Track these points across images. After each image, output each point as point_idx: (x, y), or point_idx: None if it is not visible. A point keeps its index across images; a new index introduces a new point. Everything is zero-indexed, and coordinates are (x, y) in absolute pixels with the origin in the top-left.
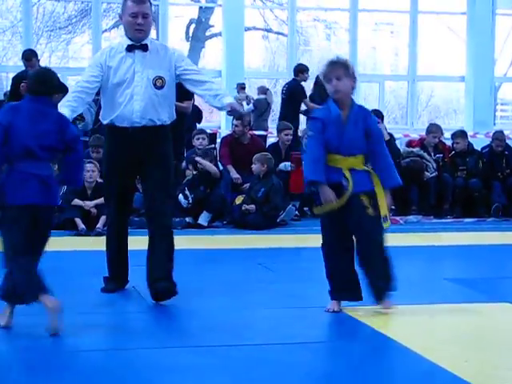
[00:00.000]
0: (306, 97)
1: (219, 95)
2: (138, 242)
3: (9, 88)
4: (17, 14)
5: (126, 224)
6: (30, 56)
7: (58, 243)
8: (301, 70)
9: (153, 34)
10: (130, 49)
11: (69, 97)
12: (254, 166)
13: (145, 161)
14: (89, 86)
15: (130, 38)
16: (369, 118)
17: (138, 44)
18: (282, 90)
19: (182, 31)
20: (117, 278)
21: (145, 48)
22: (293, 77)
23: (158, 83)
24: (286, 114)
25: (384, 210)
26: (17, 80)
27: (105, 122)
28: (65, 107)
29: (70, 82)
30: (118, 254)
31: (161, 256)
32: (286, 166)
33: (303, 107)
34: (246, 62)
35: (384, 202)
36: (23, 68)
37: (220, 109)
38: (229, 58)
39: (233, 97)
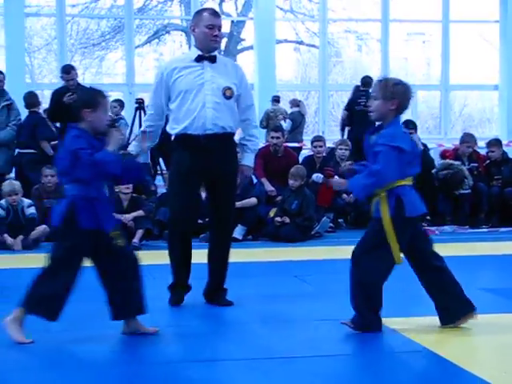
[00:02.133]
0: None
1: (250, 142)
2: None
3: (44, 105)
4: (51, 31)
5: (190, 233)
6: (69, 69)
7: None
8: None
9: (185, 47)
10: (198, 59)
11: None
12: (292, 182)
13: (214, 169)
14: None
15: (200, 49)
16: None
17: (206, 55)
18: (359, 102)
19: None
20: (181, 285)
21: (213, 59)
22: (363, 88)
23: (228, 93)
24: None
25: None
26: (58, 95)
27: (175, 132)
28: None
29: None
30: (181, 261)
31: (219, 264)
32: (317, 177)
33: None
34: (277, 74)
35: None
36: (58, 85)
37: (241, 150)
38: (261, 70)
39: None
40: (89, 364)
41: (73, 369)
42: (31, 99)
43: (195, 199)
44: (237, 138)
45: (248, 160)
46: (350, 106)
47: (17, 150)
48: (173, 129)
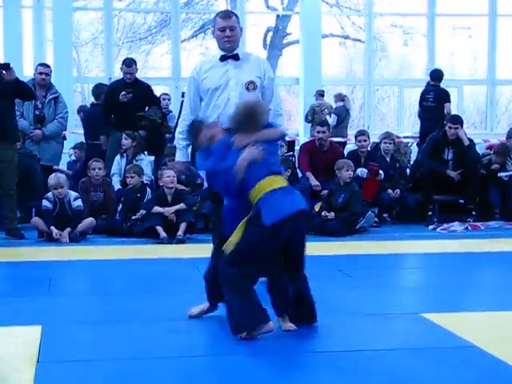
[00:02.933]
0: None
1: None
2: None
3: (91, 99)
4: (98, 25)
5: None
6: (130, 63)
7: (140, 251)
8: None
9: None
10: (222, 59)
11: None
12: (343, 172)
13: None
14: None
15: (222, 50)
16: None
17: (229, 54)
18: (427, 98)
19: (259, 39)
20: None
21: (236, 57)
22: (433, 83)
23: (251, 87)
24: (437, 120)
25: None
26: (114, 88)
27: None
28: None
29: None
30: None
31: None
32: (362, 172)
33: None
34: (323, 68)
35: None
36: (104, 79)
37: None
38: (306, 65)
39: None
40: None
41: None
42: (98, 90)
43: None
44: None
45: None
46: (420, 102)
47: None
48: None
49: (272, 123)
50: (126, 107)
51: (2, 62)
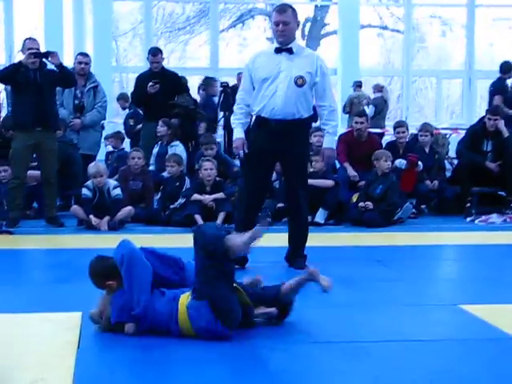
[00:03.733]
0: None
1: (328, 126)
2: None
3: (129, 88)
4: (137, 16)
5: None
6: (156, 52)
7: (179, 240)
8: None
9: (269, 32)
10: (277, 51)
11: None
12: (382, 163)
13: (283, 151)
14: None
15: (277, 43)
16: None
17: (284, 47)
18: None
19: (297, 30)
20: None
21: (290, 51)
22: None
23: (299, 82)
24: None
25: None
26: (142, 79)
27: (254, 113)
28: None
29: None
30: None
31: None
32: (400, 162)
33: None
34: (360, 59)
35: None
36: (143, 69)
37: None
38: (344, 56)
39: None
40: None
41: None
42: None
43: (266, 179)
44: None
45: (328, 142)
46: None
47: None
48: (252, 111)
49: None
50: (155, 97)
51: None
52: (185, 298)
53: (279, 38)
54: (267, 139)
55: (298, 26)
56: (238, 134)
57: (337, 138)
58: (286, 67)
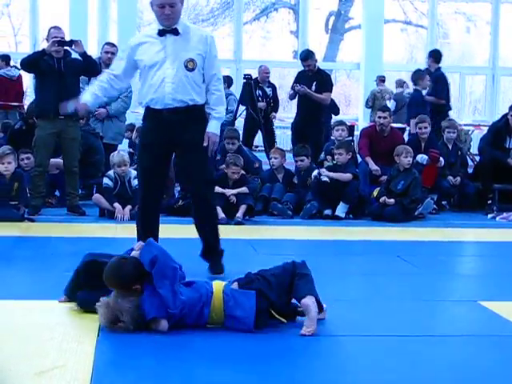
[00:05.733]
0: None
1: (213, 111)
2: None
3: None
4: None
5: (157, 208)
6: None
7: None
8: None
9: (293, 25)
10: (161, 33)
11: None
12: (402, 159)
13: (179, 143)
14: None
15: (161, 25)
16: None
17: (168, 29)
18: None
19: (321, 23)
20: None
21: (176, 32)
22: None
23: (190, 65)
24: None
25: None
26: None
27: (142, 105)
28: None
29: None
30: (142, 236)
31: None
32: (422, 158)
33: None
34: (384, 54)
35: None
36: None
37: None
38: (368, 50)
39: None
40: None
41: None
42: None
43: (161, 172)
44: None
45: (212, 127)
46: None
47: None
48: (140, 103)
49: None
50: None
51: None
52: (219, 284)
53: (165, 21)
54: (160, 130)
55: (183, 3)
56: (85, 97)
57: (358, 132)
58: (172, 51)
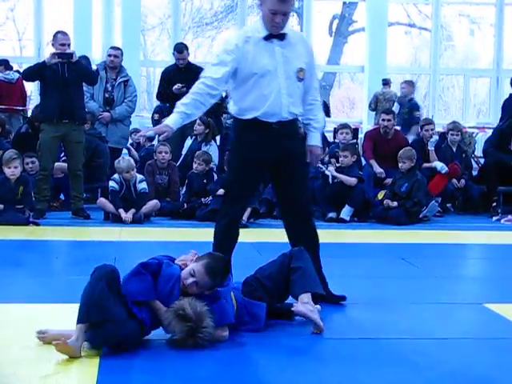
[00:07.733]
0: None
1: (311, 125)
2: None
3: (156, 83)
4: (165, 10)
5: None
6: (182, 48)
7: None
8: None
9: (297, 28)
10: (267, 38)
11: None
12: (401, 164)
13: (284, 157)
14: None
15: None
16: None
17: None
18: None
19: (325, 26)
20: None
21: (282, 37)
22: None
23: (301, 75)
24: None
25: None
26: (167, 74)
27: (243, 117)
28: None
29: None
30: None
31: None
32: (442, 167)
33: None
34: (388, 57)
35: None
36: (171, 62)
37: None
38: (372, 53)
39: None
40: None
41: None
42: None
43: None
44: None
45: (315, 139)
46: None
47: None
48: (238, 114)
49: None
50: (181, 93)
51: (73, 45)
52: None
53: (273, 29)
54: (269, 144)
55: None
56: (173, 119)
57: (362, 135)
58: (282, 59)
